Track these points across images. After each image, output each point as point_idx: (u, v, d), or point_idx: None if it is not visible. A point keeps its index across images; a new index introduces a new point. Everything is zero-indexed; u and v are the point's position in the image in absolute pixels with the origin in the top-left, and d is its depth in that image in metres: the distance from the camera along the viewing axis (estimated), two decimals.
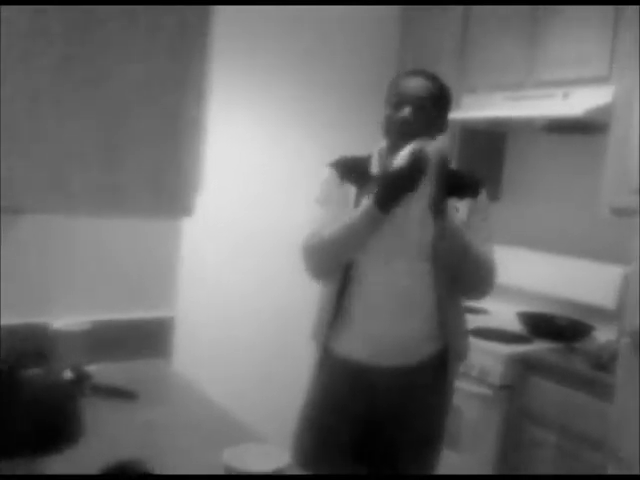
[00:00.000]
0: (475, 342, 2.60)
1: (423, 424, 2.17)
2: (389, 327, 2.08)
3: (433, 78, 2.08)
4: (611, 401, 2.45)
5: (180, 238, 2.25)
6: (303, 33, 3.56)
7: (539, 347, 3.00)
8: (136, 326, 2.19)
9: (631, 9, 2.77)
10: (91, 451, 1.53)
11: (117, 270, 2.19)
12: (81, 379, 1.88)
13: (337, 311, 2.12)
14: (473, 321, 2.59)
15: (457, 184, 2.04)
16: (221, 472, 1.40)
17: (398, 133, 2.03)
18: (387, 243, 2.05)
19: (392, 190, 1.93)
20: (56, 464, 1.45)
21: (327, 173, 2.16)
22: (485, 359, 2.86)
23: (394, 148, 2.02)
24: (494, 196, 3.15)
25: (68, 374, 1.86)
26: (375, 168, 2.12)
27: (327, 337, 2.16)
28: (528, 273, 3.34)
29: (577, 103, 2.91)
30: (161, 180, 1.30)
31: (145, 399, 1.91)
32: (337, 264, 2.11)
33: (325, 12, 3.61)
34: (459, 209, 2.07)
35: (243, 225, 3.46)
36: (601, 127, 2.92)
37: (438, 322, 2.11)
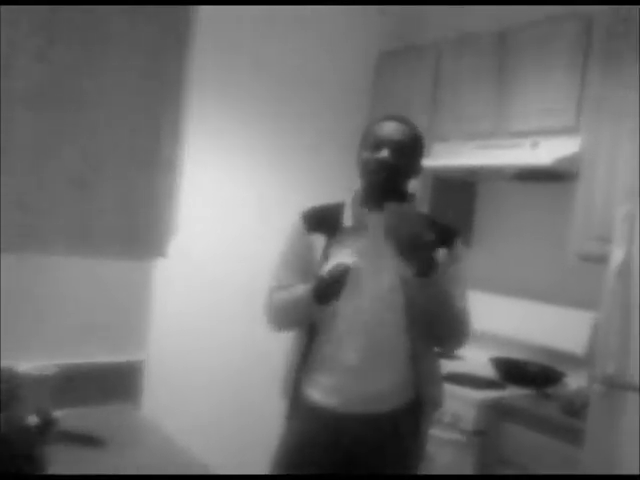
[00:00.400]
0: (448, 387, 2.58)
1: (396, 472, 2.14)
2: (360, 376, 2.07)
3: (408, 123, 2.13)
4: (582, 447, 2.45)
5: (151, 281, 2.23)
6: (277, 79, 3.62)
7: (512, 393, 3.00)
8: (105, 370, 2.14)
9: (597, 59, 2.86)
10: None
11: (86, 312, 2.16)
12: (47, 424, 1.83)
13: (306, 359, 2.12)
14: (446, 366, 2.58)
15: (435, 233, 2.04)
16: None
17: (376, 174, 2.06)
18: (356, 293, 2.04)
19: (324, 291, 1.99)
20: None
21: (294, 224, 2.19)
22: (458, 405, 2.85)
23: (371, 191, 2.08)
24: (466, 243, 3.18)
25: (33, 419, 1.81)
26: (347, 216, 2.13)
27: (296, 384, 2.14)
28: (500, 319, 3.36)
29: (545, 152, 2.98)
30: (134, 220, 1.30)
31: (113, 445, 1.87)
32: (289, 326, 2.19)
33: (297, 62, 3.67)
34: (438, 259, 2.05)
35: (215, 268, 3.45)
36: (569, 176, 2.98)
37: (411, 370, 2.10)
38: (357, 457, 2.11)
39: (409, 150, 2.09)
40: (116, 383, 2.16)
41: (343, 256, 2.00)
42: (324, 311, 2.05)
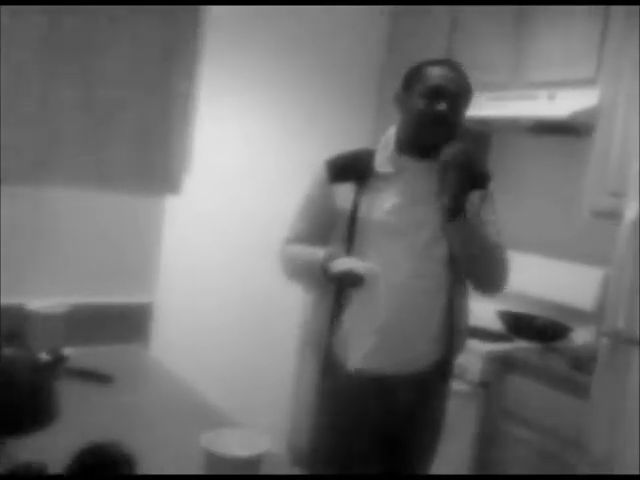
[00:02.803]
0: None
1: (432, 424, 2.18)
2: (397, 337, 2.00)
3: (461, 70, 2.04)
4: (587, 400, 2.46)
5: (162, 223, 2.22)
6: (292, 33, 3.55)
7: (518, 346, 3.01)
8: (115, 310, 2.16)
9: (619, 10, 2.79)
10: (65, 433, 1.50)
11: (97, 253, 2.16)
12: (57, 361, 1.85)
13: (338, 320, 2.03)
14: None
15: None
16: (199, 456, 1.38)
17: (432, 127, 1.96)
18: (392, 245, 1.98)
19: (340, 281, 1.94)
20: (29, 446, 1.42)
21: (316, 173, 2.08)
22: (464, 356, 2.83)
23: (422, 142, 2.00)
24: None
25: (44, 356, 1.83)
26: (380, 162, 2.03)
27: (329, 346, 2.06)
28: (510, 273, 3.34)
29: (563, 105, 2.92)
30: (148, 155, 1.28)
31: (121, 383, 1.89)
32: (300, 284, 2.15)
33: (313, 13, 3.60)
34: (473, 202, 2.01)
35: (228, 213, 3.42)
36: (586, 129, 2.93)
37: (447, 326, 2.05)
38: (399, 415, 2.09)
39: (464, 102, 2.01)
40: (126, 323, 2.17)
41: (357, 262, 1.91)
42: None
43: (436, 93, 1.95)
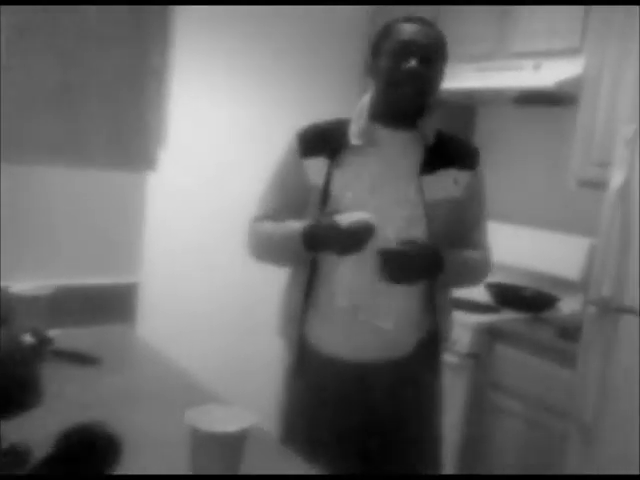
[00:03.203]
0: None
1: (420, 417, 1.98)
2: (374, 319, 1.85)
3: (431, 24, 1.87)
4: (574, 369, 2.48)
5: (145, 200, 2.20)
6: (271, 16, 3.50)
7: (506, 317, 3.02)
8: (100, 291, 2.15)
9: None
10: (51, 415, 1.49)
11: (81, 234, 2.15)
12: (42, 343, 1.84)
13: (309, 304, 1.89)
14: None
15: (455, 152, 1.91)
16: (185, 433, 1.37)
17: (404, 87, 1.78)
18: None
19: (325, 242, 1.77)
20: (15, 427, 1.41)
21: (287, 144, 1.93)
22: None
23: (396, 105, 1.84)
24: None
25: (28, 338, 1.82)
26: (354, 133, 1.84)
27: (301, 332, 1.92)
28: (496, 244, 3.31)
29: (548, 75, 2.90)
30: (122, 130, 1.27)
31: (108, 364, 1.88)
32: (274, 263, 1.97)
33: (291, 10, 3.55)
34: (458, 181, 1.88)
35: (213, 194, 3.40)
36: (571, 99, 2.92)
37: (427, 308, 1.91)
38: (379, 406, 1.92)
39: (438, 57, 1.82)
40: (111, 304, 2.17)
41: (358, 210, 1.74)
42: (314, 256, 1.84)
43: (405, 49, 1.78)
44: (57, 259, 2.15)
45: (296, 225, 1.82)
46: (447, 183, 1.86)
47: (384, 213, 1.78)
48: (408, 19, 1.85)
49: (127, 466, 1.28)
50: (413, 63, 1.76)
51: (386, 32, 1.84)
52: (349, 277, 1.84)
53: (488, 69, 3.19)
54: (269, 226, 1.91)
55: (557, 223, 3.21)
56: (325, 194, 1.83)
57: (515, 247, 3.31)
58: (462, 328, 2.87)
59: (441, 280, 1.88)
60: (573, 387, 2.48)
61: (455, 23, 3.37)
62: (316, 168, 1.84)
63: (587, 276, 2.85)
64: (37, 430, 1.40)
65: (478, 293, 3.23)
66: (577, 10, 2.87)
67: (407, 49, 1.77)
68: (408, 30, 1.80)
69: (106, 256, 2.21)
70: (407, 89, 1.79)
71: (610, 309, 2.36)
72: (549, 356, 2.66)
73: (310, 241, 1.78)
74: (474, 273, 2.03)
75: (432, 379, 2.00)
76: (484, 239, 2.02)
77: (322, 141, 1.87)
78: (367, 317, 1.85)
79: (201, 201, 3.38)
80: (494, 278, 3.32)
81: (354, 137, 1.84)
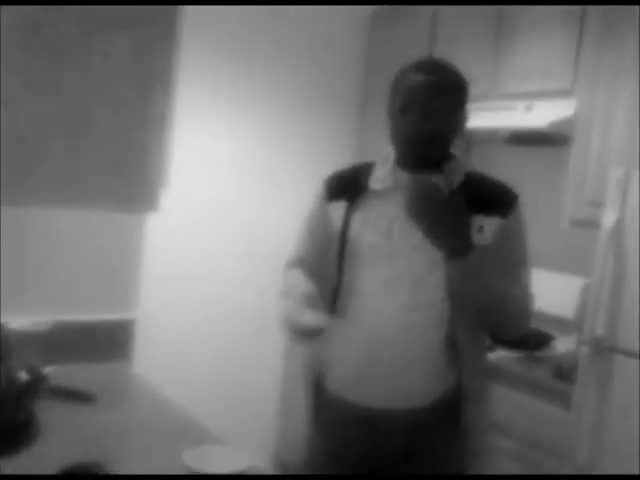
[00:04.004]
0: None
1: (435, 471, 1.82)
2: (390, 368, 1.75)
3: (442, 70, 1.77)
4: (569, 409, 2.48)
5: (143, 238, 2.21)
6: (272, 36, 3.56)
7: (501, 355, 3.01)
8: (96, 328, 2.14)
9: (594, 22, 2.82)
10: (47, 453, 1.49)
11: (78, 269, 2.15)
12: (37, 380, 1.83)
13: (329, 348, 1.83)
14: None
15: (483, 198, 1.74)
16: (181, 473, 1.37)
17: (406, 142, 1.73)
18: (386, 271, 1.75)
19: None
20: (11, 465, 1.41)
21: (317, 189, 1.91)
22: None
23: (403, 159, 1.77)
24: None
25: (23, 375, 1.81)
26: (376, 178, 1.80)
27: (320, 377, 1.88)
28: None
29: (540, 115, 2.95)
30: (125, 172, 1.28)
31: (103, 402, 1.87)
32: None
33: (294, 18, 3.62)
34: (484, 228, 1.72)
35: (209, 227, 3.43)
36: (564, 139, 2.96)
37: (449, 359, 1.76)
38: (392, 456, 1.81)
39: (445, 106, 1.71)
40: (107, 341, 2.16)
41: (315, 315, 1.67)
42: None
43: (407, 102, 1.71)
44: (54, 295, 2.15)
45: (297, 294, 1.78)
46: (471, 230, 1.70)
47: (401, 258, 1.74)
48: (415, 67, 1.77)
49: None
50: (412, 116, 1.69)
51: (395, 85, 1.79)
52: (368, 330, 1.77)
53: (481, 109, 3.24)
54: (293, 274, 1.90)
55: (551, 262, 3.23)
56: (342, 238, 1.80)
57: None
58: None
59: (468, 283, 1.67)
60: (568, 427, 2.48)
61: (449, 61, 3.44)
62: (337, 213, 1.83)
63: (581, 315, 2.86)
64: (33, 468, 1.40)
65: None
66: (568, 52, 2.93)
67: (408, 104, 1.70)
68: (412, 80, 1.73)
69: (103, 292, 2.21)
70: (414, 144, 1.72)
71: (604, 349, 2.36)
72: (544, 396, 2.65)
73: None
74: (508, 306, 1.78)
75: (450, 435, 1.81)
76: (523, 285, 1.84)
77: (345, 185, 1.85)
78: (385, 367, 1.76)
79: (198, 235, 3.41)
80: None
81: (375, 181, 1.80)
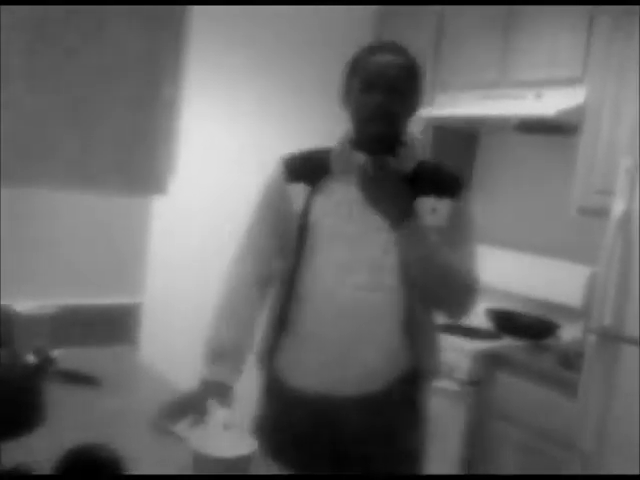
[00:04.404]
0: (443, 338, 2.60)
1: (395, 453, 1.83)
2: (345, 350, 1.75)
3: (403, 52, 1.79)
4: (575, 398, 2.48)
5: (150, 222, 2.22)
6: (277, 30, 3.55)
7: (506, 344, 3.02)
8: (103, 312, 2.15)
9: (605, 11, 2.80)
10: (54, 435, 1.50)
11: (85, 253, 2.15)
12: (44, 363, 1.84)
13: (283, 331, 1.82)
14: (441, 317, 2.59)
15: (434, 181, 1.81)
16: (187, 457, 1.38)
17: (369, 122, 1.74)
18: (344, 254, 1.76)
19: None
20: (17, 448, 1.42)
21: (272, 172, 1.88)
22: (453, 355, 2.87)
23: (364, 140, 1.78)
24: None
25: (31, 358, 1.82)
26: (336, 162, 1.82)
27: (273, 362, 1.86)
28: (497, 271, 3.36)
29: (549, 103, 2.94)
30: (133, 156, 1.28)
31: (109, 385, 1.88)
32: None
33: (299, 15, 3.60)
34: (437, 210, 1.78)
35: (217, 211, 3.42)
36: (573, 128, 2.95)
37: (405, 341, 1.78)
38: (349, 442, 1.81)
39: (407, 88, 1.75)
40: (114, 325, 2.17)
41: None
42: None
43: (371, 82, 1.72)
44: (60, 278, 2.16)
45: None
46: (424, 211, 1.76)
47: (361, 240, 1.76)
48: (376, 49, 1.80)
49: None
50: (378, 98, 1.72)
51: (354, 66, 1.80)
52: (322, 311, 1.78)
53: (490, 97, 3.23)
54: (236, 273, 1.97)
55: (559, 250, 3.22)
56: (303, 221, 1.79)
57: (516, 274, 3.33)
58: (461, 355, 2.88)
59: (415, 251, 1.71)
60: (574, 415, 2.48)
61: (458, 52, 3.42)
62: (297, 195, 1.82)
63: (588, 303, 2.86)
64: (40, 450, 1.40)
65: (479, 319, 3.23)
66: (578, 40, 2.91)
67: (373, 83, 1.72)
68: (376, 61, 1.75)
69: (110, 276, 2.21)
70: (376, 124, 1.74)
71: (611, 337, 2.36)
72: (550, 384, 2.66)
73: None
74: (454, 279, 1.79)
75: (410, 417, 1.87)
76: (468, 264, 1.85)
77: (305, 168, 1.85)
78: (338, 353, 1.76)
79: (205, 219, 3.40)
80: (495, 304, 3.34)
81: (335, 164, 1.82)
